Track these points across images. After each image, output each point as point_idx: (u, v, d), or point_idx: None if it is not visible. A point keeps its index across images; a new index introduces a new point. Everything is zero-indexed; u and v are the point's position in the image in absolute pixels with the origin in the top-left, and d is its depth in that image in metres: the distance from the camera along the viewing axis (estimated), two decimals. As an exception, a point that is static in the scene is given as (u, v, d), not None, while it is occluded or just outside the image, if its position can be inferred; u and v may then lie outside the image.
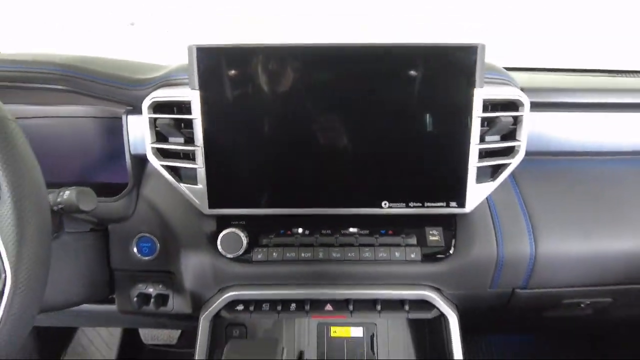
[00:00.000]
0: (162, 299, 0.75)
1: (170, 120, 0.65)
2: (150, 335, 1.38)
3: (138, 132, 0.70)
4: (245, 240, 0.65)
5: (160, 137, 0.68)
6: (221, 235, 0.65)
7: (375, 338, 0.78)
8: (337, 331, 0.79)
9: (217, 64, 0.61)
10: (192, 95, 0.62)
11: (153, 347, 1.39)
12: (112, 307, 0.79)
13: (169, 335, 1.37)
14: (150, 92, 0.67)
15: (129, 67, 0.75)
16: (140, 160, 0.73)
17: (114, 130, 0.75)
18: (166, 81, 0.69)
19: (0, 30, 0.99)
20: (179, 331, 1.38)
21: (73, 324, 1.20)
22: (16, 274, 0.43)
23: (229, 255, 0.65)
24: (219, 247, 0.65)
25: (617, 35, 1.35)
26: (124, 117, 0.70)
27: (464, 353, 0.70)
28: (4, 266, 0.44)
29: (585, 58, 1.23)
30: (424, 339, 0.77)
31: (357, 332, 0.78)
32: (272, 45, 0.61)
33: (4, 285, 0.44)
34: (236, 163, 0.64)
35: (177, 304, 0.75)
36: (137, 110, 0.70)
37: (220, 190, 0.65)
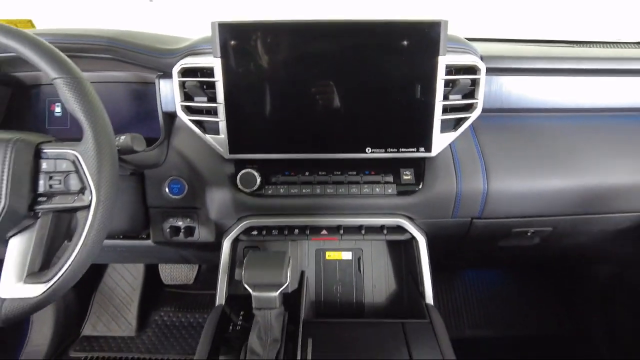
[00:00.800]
0: (189, 230, 0.93)
1: (197, 83, 0.81)
2: (169, 277, 1.58)
3: (168, 93, 0.87)
4: (258, 179, 0.83)
5: (187, 97, 0.84)
6: (240, 174, 0.83)
7: (361, 260, 0.97)
8: (331, 255, 0.98)
9: (234, 37, 0.76)
10: (214, 63, 0.79)
11: (171, 288, 1.60)
12: (146, 242, 0.97)
13: (186, 276, 1.58)
14: (179, 60, 0.83)
15: (159, 40, 0.91)
16: (170, 117, 0.89)
17: (146, 93, 0.91)
18: (191, 51, 0.84)
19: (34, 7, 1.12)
20: (195, 273, 1.59)
21: (109, 261, 1.39)
22: (98, 192, 0.61)
23: (246, 190, 0.83)
24: (239, 184, 0.83)
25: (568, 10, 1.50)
26: (156, 80, 0.86)
27: (432, 271, 0.89)
28: (90, 185, 0.61)
29: (543, 30, 1.39)
30: (400, 258, 0.97)
31: (347, 255, 0.98)
32: (275, 21, 0.77)
33: (90, 199, 0.61)
34: (251, 117, 0.81)
35: (202, 234, 0.93)
36: (167, 75, 0.86)
37: (238, 139, 0.82)
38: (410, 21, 0.77)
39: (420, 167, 0.88)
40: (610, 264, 1.38)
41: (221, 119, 0.81)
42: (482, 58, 0.87)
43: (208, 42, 0.84)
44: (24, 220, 0.62)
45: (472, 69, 0.83)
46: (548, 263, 1.43)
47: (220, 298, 0.87)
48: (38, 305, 0.61)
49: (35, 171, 0.62)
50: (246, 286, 0.74)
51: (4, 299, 0.61)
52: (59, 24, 1.34)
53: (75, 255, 0.61)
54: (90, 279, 1.59)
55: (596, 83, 0.95)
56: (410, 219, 0.90)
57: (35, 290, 0.61)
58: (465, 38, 0.88)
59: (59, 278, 0.61)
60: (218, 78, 0.79)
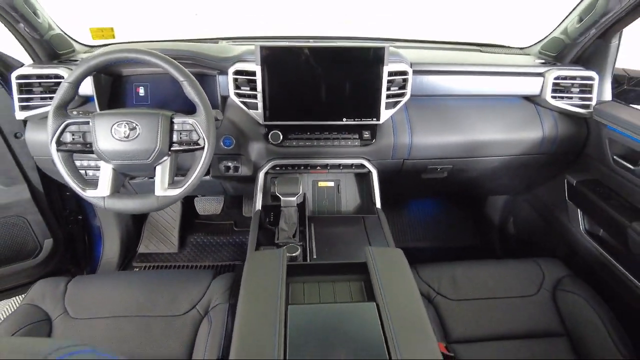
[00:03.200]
0: (235, 169, 1.53)
1: (245, 79, 1.39)
2: (202, 209, 2.18)
3: (224, 84, 1.44)
4: (281, 136, 1.43)
5: (236, 87, 1.42)
6: (270, 133, 1.43)
7: (340, 186, 1.61)
8: (321, 184, 1.61)
9: (268, 54, 1.34)
10: (256, 68, 1.37)
11: (202, 218, 2.21)
12: (206, 177, 1.56)
13: (214, 209, 2.19)
14: (232, 64, 1.40)
15: (217, 49, 1.47)
16: (224, 98, 1.47)
17: (208, 82, 1.48)
18: (239, 59, 1.42)
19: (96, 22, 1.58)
20: (221, 207, 2.19)
21: None
22: (208, 141, 1.20)
23: (274, 143, 1.44)
24: (269, 139, 1.43)
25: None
26: (217, 76, 1.44)
27: (380, 193, 1.53)
28: (203, 137, 1.20)
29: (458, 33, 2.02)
30: (362, 184, 1.61)
31: (330, 183, 1.61)
32: (289, 45, 1.35)
33: (204, 148, 1.20)
34: (277, 99, 1.40)
35: (243, 170, 1.53)
36: (223, 73, 1.43)
37: (269, 112, 1.41)
38: (369, 46, 1.37)
39: (374, 130, 1.50)
40: (502, 193, 2.09)
41: (259, 101, 1.40)
42: (410, 65, 1.48)
43: (250, 53, 1.42)
44: (165, 155, 1.21)
45: (404, 72, 1.45)
46: (462, 193, 2.12)
47: (258, 205, 1.48)
48: (175, 200, 1.21)
49: (171, 130, 1.20)
50: (278, 194, 1.36)
51: (159, 197, 1.20)
52: (131, 28, 1.84)
53: (196, 174, 1.20)
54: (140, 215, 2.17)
55: (479, 79, 1.58)
56: (368, 160, 1.53)
57: (175, 192, 1.20)
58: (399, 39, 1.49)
59: (187, 186, 1.20)
60: (258, 77, 1.37)
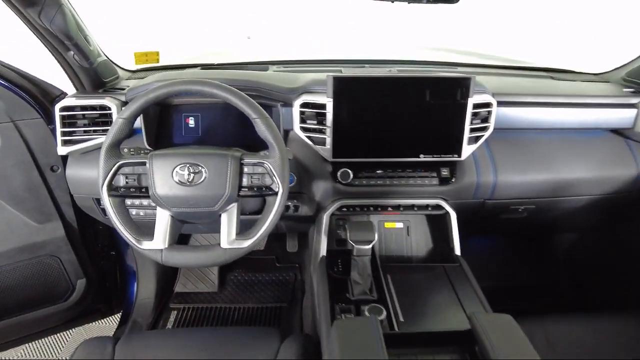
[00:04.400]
0: (296, 207, 1.37)
1: (312, 113, 1.24)
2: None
3: (287, 117, 1.29)
4: (351, 174, 1.27)
5: (302, 120, 1.27)
6: (340, 171, 1.27)
7: (409, 227, 1.44)
8: (388, 224, 1.44)
9: (340, 85, 1.20)
10: (327, 100, 1.22)
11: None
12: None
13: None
14: (298, 96, 1.26)
15: (279, 78, 1.33)
16: (285, 132, 1.32)
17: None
18: (306, 90, 1.27)
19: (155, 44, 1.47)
20: (265, 241, 2.03)
21: None
22: (283, 185, 1.04)
23: (343, 182, 1.28)
24: (338, 177, 1.27)
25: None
26: (280, 108, 1.29)
27: (461, 239, 1.36)
28: (278, 182, 1.04)
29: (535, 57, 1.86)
30: (434, 226, 1.44)
31: (399, 225, 1.44)
32: (363, 75, 1.21)
33: (277, 193, 1.04)
34: (347, 134, 1.25)
35: (304, 209, 1.37)
36: (286, 105, 1.29)
37: (339, 148, 1.26)
38: (453, 76, 1.22)
39: (453, 167, 1.34)
40: (574, 232, 1.91)
41: (328, 136, 1.24)
42: (492, 95, 1.32)
43: (317, 84, 1.28)
44: (233, 202, 1.05)
45: (488, 104, 1.29)
46: (532, 231, 1.94)
47: (323, 251, 1.32)
48: (244, 253, 1.05)
49: (241, 172, 1.05)
50: (350, 242, 1.19)
51: (226, 249, 1.04)
52: (179, 53, 1.72)
53: (269, 223, 1.04)
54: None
55: (565, 110, 1.42)
56: (445, 200, 1.36)
57: (244, 244, 1.05)
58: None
59: (257, 237, 1.05)
60: (329, 110, 1.22)
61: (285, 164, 1.05)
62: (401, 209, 1.36)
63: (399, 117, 1.24)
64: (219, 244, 1.05)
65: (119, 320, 1.90)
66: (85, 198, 1.37)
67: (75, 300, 1.68)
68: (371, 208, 1.36)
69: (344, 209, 1.35)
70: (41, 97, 1.43)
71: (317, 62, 1.78)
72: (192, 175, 1.02)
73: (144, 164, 1.04)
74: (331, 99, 1.21)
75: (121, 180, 1.03)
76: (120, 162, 1.03)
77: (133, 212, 1.35)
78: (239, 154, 1.05)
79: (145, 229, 1.05)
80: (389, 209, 1.36)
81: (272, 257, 2.06)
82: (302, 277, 1.98)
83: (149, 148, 1.28)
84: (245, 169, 1.05)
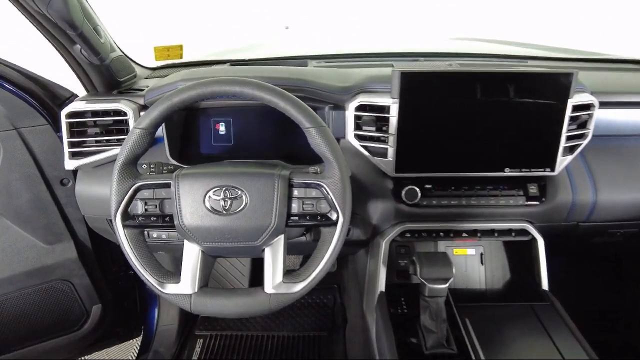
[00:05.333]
0: (347, 231, 1.14)
1: (371, 117, 1.00)
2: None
3: (338, 122, 1.06)
4: (419, 193, 1.03)
5: (357, 126, 1.03)
6: (405, 189, 1.03)
7: (483, 255, 1.19)
8: (457, 251, 1.20)
9: (411, 83, 0.95)
10: (391, 102, 0.98)
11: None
12: (302, 238, 1.17)
13: (292, 263, 1.80)
14: (353, 97, 1.02)
15: (328, 75, 1.09)
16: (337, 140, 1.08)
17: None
18: (363, 89, 1.03)
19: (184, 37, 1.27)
20: (300, 260, 1.81)
21: None
22: (343, 213, 0.81)
23: (409, 202, 1.04)
24: (403, 197, 1.03)
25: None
26: (329, 112, 1.05)
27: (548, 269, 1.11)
28: (337, 209, 0.81)
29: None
30: (513, 253, 1.18)
31: (471, 251, 1.20)
32: (442, 70, 0.96)
33: (337, 223, 0.81)
34: (415, 144, 1.01)
35: (356, 233, 1.14)
36: (337, 107, 1.05)
37: (403, 161, 1.01)
38: (548, 72, 0.96)
39: (543, 183, 1.08)
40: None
41: (391, 146, 1.00)
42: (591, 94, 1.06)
43: (376, 81, 1.04)
44: (280, 234, 0.83)
45: (588, 105, 1.03)
46: (621, 254, 1.65)
47: (381, 286, 1.08)
48: (297, 298, 0.82)
49: (290, 196, 0.82)
50: (421, 280, 0.95)
51: (271, 295, 0.82)
52: (205, 47, 1.51)
53: (326, 261, 0.81)
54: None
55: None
56: (531, 223, 1.11)
57: (295, 287, 0.82)
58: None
59: (314, 277, 0.82)
60: (394, 114, 0.98)
61: (346, 186, 0.81)
62: (478, 235, 1.11)
63: (480, 122, 0.99)
64: (262, 288, 0.82)
65: (138, 346, 1.71)
66: (98, 219, 1.17)
67: (90, 329, 1.49)
68: (441, 233, 1.11)
69: (407, 235, 1.10)
70: (48, 100, 1.22)
71: (361, 56, 1.53)
72: (229, 201, 0.80)
73: (167, 185, 0.82)
74: (397, 100, 0.97)
75: (139, 207, 0.82)
76: (138, 184, 0.82)
77: (154, 234, 1.14)
78: (287, 173, 0.82)
79: (171, 275, 0.83)
80: (464, 234, 1.12)
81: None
82: (341, 301, 1.75)
83: (173, 162, 1.06)
84: (296, 192, 0.82)
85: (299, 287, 0.82)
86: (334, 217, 0.81)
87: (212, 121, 1.16)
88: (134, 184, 0.81)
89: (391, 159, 1.02)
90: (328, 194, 0.81)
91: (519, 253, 1.18)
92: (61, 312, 1.43)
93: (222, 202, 0.80)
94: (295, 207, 0.82)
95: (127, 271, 1.65)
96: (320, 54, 1.49)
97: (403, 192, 1.03)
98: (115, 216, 0.81)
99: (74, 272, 1.38)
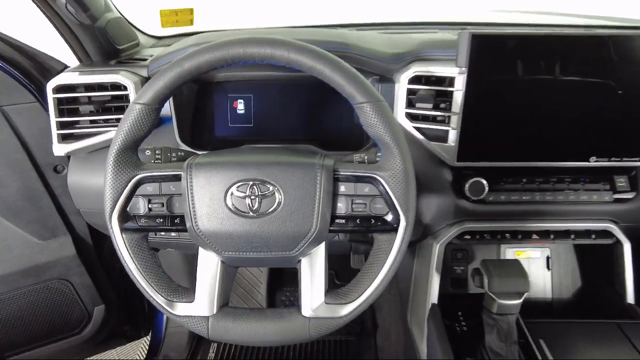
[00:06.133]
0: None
1: (429, 91, 0.80)
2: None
3: (385, 96, 0.85)
4: (486, 187, 0.84)
5: (409, 103, 0.84)
6: (469, 182, 0.83)
7: (549, 258, 1.00)
8: (518, 253, 1.01)
9: (485, 48, 0.75)
10: (455, 72, 0.78)
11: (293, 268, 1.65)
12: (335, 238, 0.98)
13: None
14: (406, 66, 0.82)
15: (375, 40, 0.89)
16: None
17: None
18: (418, 57, 0.83)
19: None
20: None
21: None
22: (407, 216, 0.62)
23: (473, 198, 0.84)
24: (467, 191, 0.84)
25: None
26: (376, 84, 0.85)
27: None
28: (398, 209, 0.62)
29: None
30: (588, 259, 0.99)
31: (535, 253, 1.01)
32: (524, 33, 0.76)
33: (397, 229, 0.62)
34: (485, 126, 0.81)
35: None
36: (383, 79, 0.85)
37: (469, 147, 0.82)
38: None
39: (633, 174, 0.88)
40: None
41: (454, 128, 0.81)
42: None
43: (436, 47, 0.83)
44: (321, 241, 0.64)
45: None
46: None
47: (433, 297, 0.90)
48: (343, 324, 0.64)
49: (335, 193, 0.63)
50: (490, 294, 0.77)
51: (311, 319, 0.64)
52: (218, 10, 1.30)
53: (384, 276, 0.63)
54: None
55: None
56: (616, 223, 0.91)
57: (340, 310, 0.64)
58: None
59: (366, 299, 0.63)
60: (459, 87, 0.78)
61: (410, 179, 0.62)
62: (551, 236, 0.92)
63: (568, 99, 0.79)
64: (298, 309, 0.65)
65: (147, 348, 1.56)
66: (96, 214, 0.99)
67: (93, 332, 1.34)
68: (507, 235, 0.92)
69: (466, 237, 0.91)
70: (36, 73, 1.04)
71: (397, 25, 1.32)
72: (257, 200, 0.61)
73: (177, 177, 0.63)
74: (464, 70, 0.77)
75: (141, 206, 0.64)
76: (140, 176, 0.63)
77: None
78: (331, 162, 0.63)
79: (182, 292, 0.66)
80: (534, 236, 0.92)
81: (330, 272, 1.66)
82: None
83: (184, 148, 0.87)
84: (342, 188, 0.64)
85: (345, 310, 0.64)
86: (393, 220, 0.63)
87: (228, 98, 0.97)
88: (134, 176, 0.63)
89: (453, 144, 0.82)
90: (386, 190, 0.62)
91: (595, 257, 0.99)
92: (60, 315, 1.28)
93: (248, 201, 0.61)
94: (341, 207, 0.63)
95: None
96: (352, 22, 1.27)
97: (467, 186, 0.84)
98: (110, 217, 0.63)
99: (72, 270, 1.22)
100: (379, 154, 0.69)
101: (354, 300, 0.64)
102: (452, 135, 0.81)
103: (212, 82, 0.95)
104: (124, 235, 0.64)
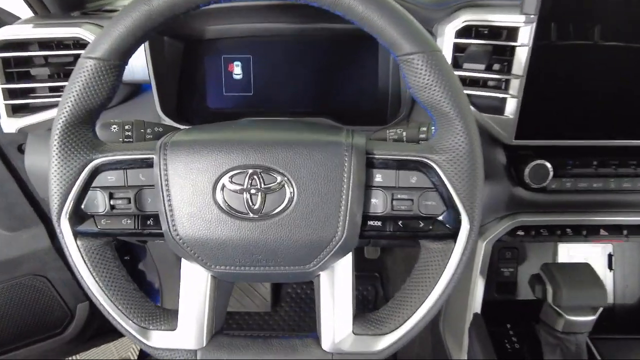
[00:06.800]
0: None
1: (486, 46, 0.62)
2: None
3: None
4: (551, 172, 0.65)
5: (455, 62, 0.65)
6: (530, 166, 0.65)
7: (612, 256, 0.83)
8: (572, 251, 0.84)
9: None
10: (520, 21, 0.58)
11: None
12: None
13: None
14: (453, 14, 0.63)
15: None
16: None
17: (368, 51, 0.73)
18: (468, 2, 0.64)
19: None
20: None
21: None
22: (471, 217, 0.44)
23: (534, 185, 0.66)
24: (526, 177, 0.66)
25: None
26: None
27: None
28: (459, 208, 0.44)
29: None
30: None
31: (594, 249, 0.84)
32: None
33: (458, 226, 0.45)
34: (554, 95, 0.63)
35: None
36: None
37: (531, 121, 0.64)
38: None
39: None
40: None
41: (514, 95, 0.62)
42: None
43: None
44: (347, 251, 0.47)
45: None
46: None
47: (476, 305, 0.74)
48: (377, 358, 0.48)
49: (368, 185, 0.45)
50: (555, 307, 0.60)
51: (332, 354, 0.47)
52: None
53: (436, 300, 0.46)
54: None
55: None
56: None
57: (374, 344, 0.47)
58: None
59: (409, 330, 0.47)
60: (524, 41, 0.59)
61: (478, 165, 0.44)
62: (624, 232, 0.74)
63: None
64: (317, 340, 0.48)
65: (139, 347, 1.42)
66: None
67: (77, 331, 1.20)
68: (568, 230, 0.74)
69: (519, 232, 0.74)
70: None
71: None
72: (260, 195, 0.43)
73: (149, 163, 0.45)
74: (533, 19, 0.57)
75: (100, 202, 0.46)
76: (98, 161, 0.46)
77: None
78: (362, 141, 0.45)
79: (159, 317, 0.49)
80: (602, 231, 0.75)
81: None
82: (384, 293, 1.42)
83: (167, 123, 0.70)
84: (379, 177, 0.46)
85: (381, 344, 0.47)
86: (451, 222, 0.45)
87: (222, 60, 0.78)
88: (90, 161, 0.46)
89: (511, 117, 0.63)
90: (442, 180, 0.44)
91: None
92: (37, 314, 1.13)
93: (247, 197, 0.43)
94: (377, 203, 0.46)
95: (122, 257, 1.33)
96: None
97: (527, 170, 0.65)
98: (59, 218, 0.46)
99: (48, 265, 1.07)
100: (424, 128, 0.51)
101: (393, 331, 0.47)
102: (511, 105, 0.63)
103: (201, 39, 0.77)
104: (78, 242, 0.47)
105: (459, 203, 0.44)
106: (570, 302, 0.59)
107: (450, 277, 0.45)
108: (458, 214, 0.44)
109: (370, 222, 0.46)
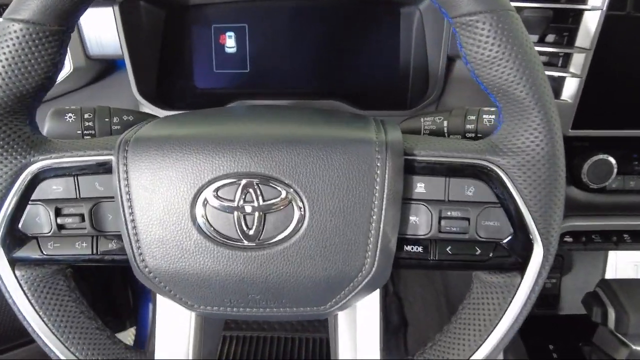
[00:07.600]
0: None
1: (544, 11, 0.49)
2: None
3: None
4: (615, 169, 0.53)
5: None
6: (589, 162, 0.53)
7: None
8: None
9: None
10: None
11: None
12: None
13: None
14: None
15: None
16: (450, 60, 0.58)
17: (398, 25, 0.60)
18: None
19: None
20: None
21: None
22: (547, 247, 0.33)
23: (593, 186, 0.54)
24: (583, 176, 0.54)
25: None
26: (419, 14, 0.54)
27: None
28: (535, 233, 0.32)
29: None
30: None
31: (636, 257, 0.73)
32: None
33: (529, 259, 0.33)
34: (623, 76, 0.50)
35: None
36: None
37: (593, 107, 0.51)
38: None
39: None
40: None
41: (576, 74, 0.49)
42: None
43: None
44: (375, 288, 0.35)
45: None
46: None
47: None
48: None
49: (406, 199, 0.33)
50: (619, 336, 0.49)
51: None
52: None
53: (493, 348, 0.35)
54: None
55: None
56: None
57: None
58: None
59: None
60: (596, 4, 0.46)
61: (560, 173, 0.32)
62: None
63: None
64: None
65: (134, 341, 1.34)
66: None
67: None
68: (626, 236, 0.62)
69: (566, 239, 0.62)
70: None
71: None
72: (258, 215, 0.31)
73: (106, 168, 0.33)
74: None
75: (43, 220, 0.34)
76: (38, 165, 0.34)
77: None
78: (398, 136, 0.33)
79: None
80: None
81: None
82: (394, 290, 1.32)
83: (146, 108, 0.58)
84: (420, 187, 0.33)
85: None
86: (519, 249, 0.33)
87: (212, 30, 0.65)
88: (27, 165, 0.33)
89: (570, 101, 0.51)
90: (509, 192, 0.32)
91: None
92: (16, 317, 1.03)
93: (239, 218, 0.31)
94: (419, 223, 0.34)
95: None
96: None
97: (586, 167, 0.53)
98: None
99: None
100: (472, 117, 0.39)
101: None
102: (571, 87, 0.51)
103: (187, 4, 0.64)
104: (17, 273, 0.35)
105: (531, 224, 0.32)
106: (639, 330, 0.48)
107: (513, 321, 0.34)
108: (529, 238, 0.32)
109: (408, 248, 0.34)
